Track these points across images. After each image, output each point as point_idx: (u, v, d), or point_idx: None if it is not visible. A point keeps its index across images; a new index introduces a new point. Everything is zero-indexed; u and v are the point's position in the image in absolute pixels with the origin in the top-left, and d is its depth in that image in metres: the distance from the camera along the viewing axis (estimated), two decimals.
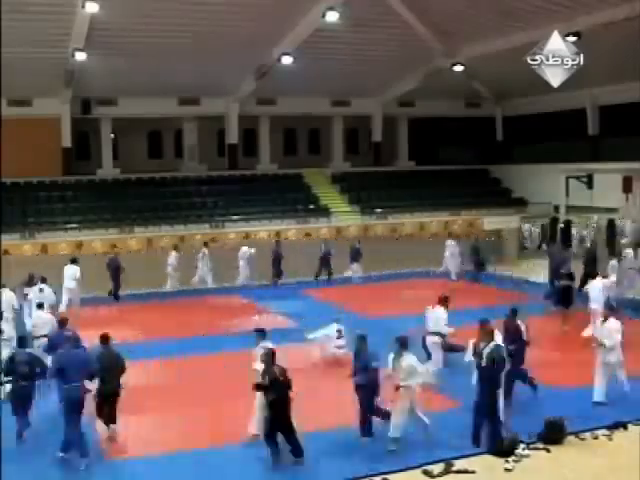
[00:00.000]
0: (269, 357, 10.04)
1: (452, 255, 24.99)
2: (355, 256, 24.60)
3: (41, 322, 13.96)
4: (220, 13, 22.32)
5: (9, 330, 14.11)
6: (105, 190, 28.44)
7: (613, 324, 11.81)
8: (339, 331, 14.77)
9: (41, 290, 16.88)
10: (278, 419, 9.71)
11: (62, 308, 19.45)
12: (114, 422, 10.90)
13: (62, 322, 12.79)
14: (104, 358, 10.84)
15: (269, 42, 25.21)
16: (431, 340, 13.71)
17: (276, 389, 9.72)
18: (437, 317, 13.69)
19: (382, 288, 23.89)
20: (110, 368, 10.76)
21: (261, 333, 11.24)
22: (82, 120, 28.89)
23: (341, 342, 14.59)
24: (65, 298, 20.02)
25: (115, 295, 22.17)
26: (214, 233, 26.52)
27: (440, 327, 13.62)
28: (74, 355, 10.50)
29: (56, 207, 26.87)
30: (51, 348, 12.02)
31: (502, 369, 10.19)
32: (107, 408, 10.89)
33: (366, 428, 10.57)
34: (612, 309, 12.70)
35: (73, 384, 10.03)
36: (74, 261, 20.62)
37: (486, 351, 10.13)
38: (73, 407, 10.00)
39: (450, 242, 25.25)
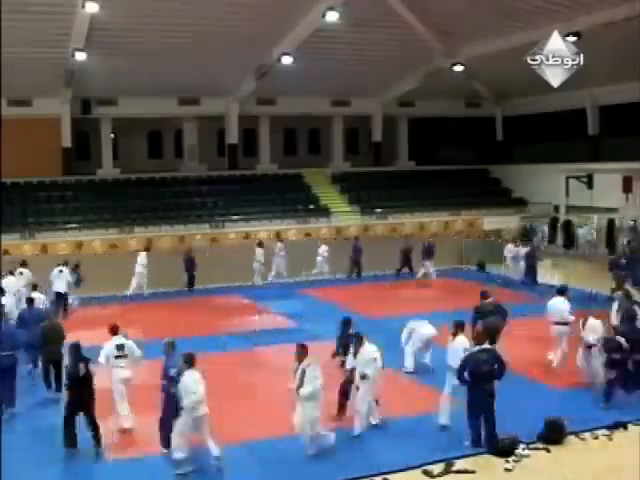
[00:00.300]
0: (74, 352, 10.28)
1: (515, 259, 24.27)
2: (428, 253, 24.78)
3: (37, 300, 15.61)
4: (220, 13, 22.33)
5: (8, 303, 15.74)
6: (105, 190, 28.44)
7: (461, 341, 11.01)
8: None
9: (60, 271, 19.56)
10: (77, 410, 10.22)
11: (130, 291, 22.26)
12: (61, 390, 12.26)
13: (30, 301, 14.70)
14: (46, 330, 12.82)
15: (269, 42, 25.21)
16: (558, 330, 13.70)
17: (76, 385, 10.20)
18: (559, 308, 13.74)
19: (382, 288, 23.88)
20: (51, 338, 12.69)
21: (114, 332, 11.38)
22: (82, 120, 28.89)
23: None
24: (134, 282, 22.41)
25: (190, 286, 23.61)
26: (214, 233, 26.54)
27: (565, 317, 13.67)
28: (6, 329, 12.51)
29: (56, 207, 26.87)
30: (21, 322, 13.73)
31: (496, 370, 10.22)
32: (54, 375, 12.72)
33: (165, 438, 10.07)
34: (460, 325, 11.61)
35: (3, 353, 11.70)
36: (147, 250, 23.18)
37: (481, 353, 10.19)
38: (4, 372, 11.63)
39: (511, 246, 24.65)
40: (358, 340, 10.93)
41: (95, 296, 21.87)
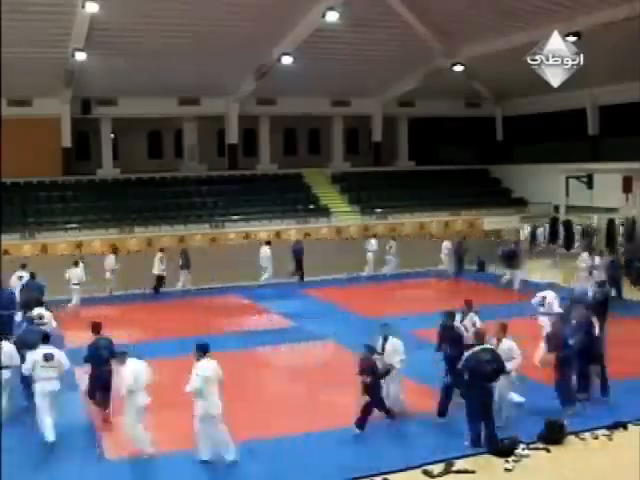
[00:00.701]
0: None
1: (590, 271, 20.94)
2: (512, 259, 22.94)
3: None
4: (220, 13, 22.31)
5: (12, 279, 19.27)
6: (105, 190, 28.42)
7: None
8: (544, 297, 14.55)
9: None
10: None
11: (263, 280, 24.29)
12: None
13: (32, 275, 18.59)
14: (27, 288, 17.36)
15: (269, 42, 25.20)
16: None
17: None
18: None
19: (382, 288, 23.88)
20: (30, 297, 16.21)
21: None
22: (82, 120, 28.87)
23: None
24: (267, 273, 24.53)
25: (301, 277, 25.04)
26: (214, 233, 26.53)
27: None
28: (6, 293, 16.83)
29: (56, 207, 26.84)
30: (24, 288, 17.91)
31: (498, 371, 10.24)
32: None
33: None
34: None
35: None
36: (268, 243, 24.90)
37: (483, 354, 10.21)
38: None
39: (585, 256, 21.56)
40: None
41: (95, 296, 21.93)
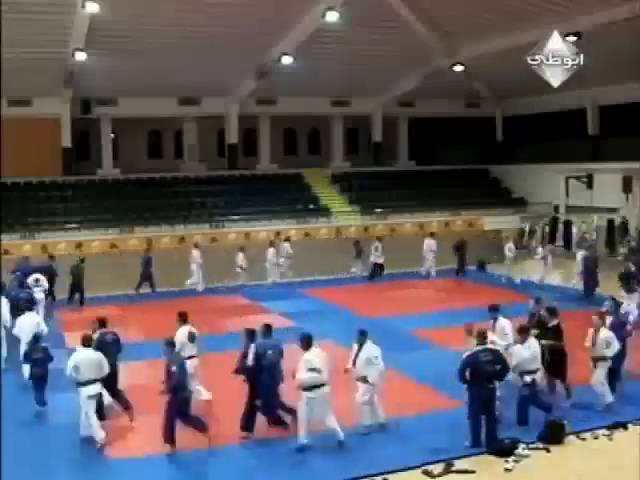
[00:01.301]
0: None
1: None
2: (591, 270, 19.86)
3: None
4: (220, 13, 22.32)
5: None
6: (105, 190, 28.41)
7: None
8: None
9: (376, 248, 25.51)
10: None
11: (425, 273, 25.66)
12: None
13: (51, 257, 21.33)
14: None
15: (269, 42, 25.22)
16: None
17: None
18: None
19: (382, 288, 23.87)
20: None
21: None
22: (82, 120, 28.87)
23: None
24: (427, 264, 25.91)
25: (464, 271, 25.85)
26: (214, 233, 26.53)
27: None
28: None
29: (56, 207, 26.82)
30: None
31: (499, 371, 10.25)
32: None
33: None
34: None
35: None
36: (432, 234, 26.22)
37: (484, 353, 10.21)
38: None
39: None
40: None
41: (95, 296, 21.93)
